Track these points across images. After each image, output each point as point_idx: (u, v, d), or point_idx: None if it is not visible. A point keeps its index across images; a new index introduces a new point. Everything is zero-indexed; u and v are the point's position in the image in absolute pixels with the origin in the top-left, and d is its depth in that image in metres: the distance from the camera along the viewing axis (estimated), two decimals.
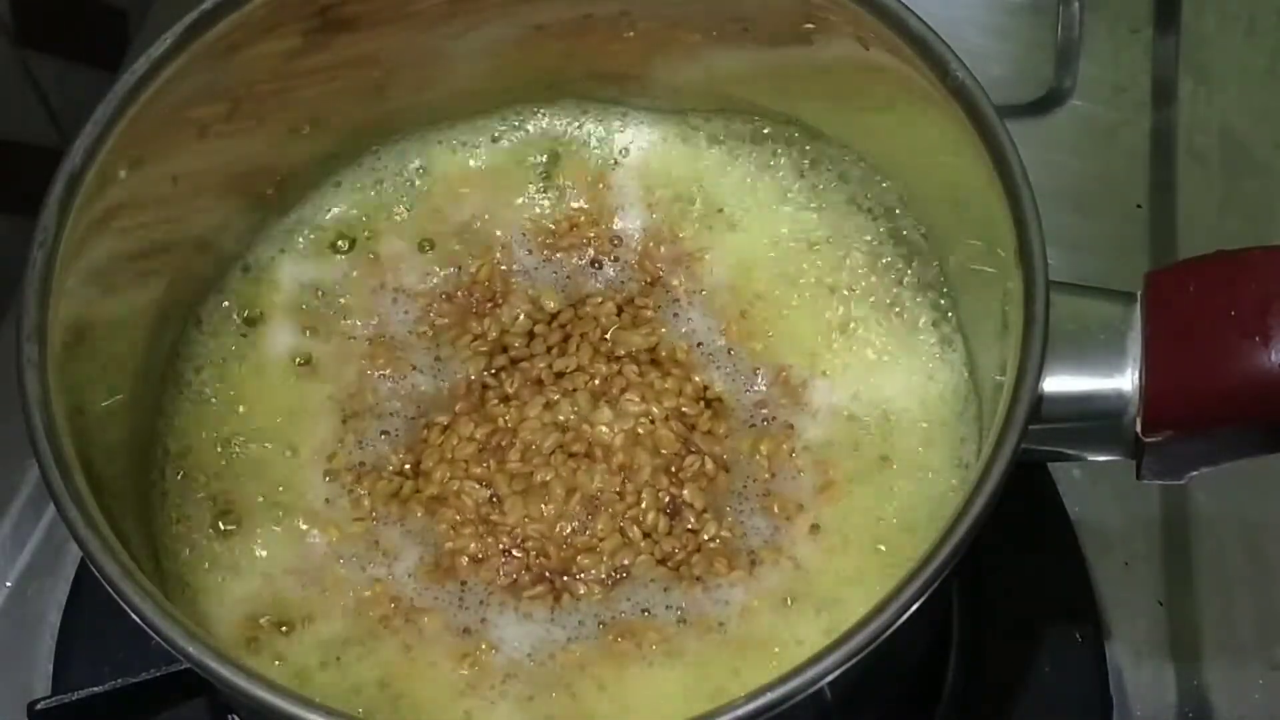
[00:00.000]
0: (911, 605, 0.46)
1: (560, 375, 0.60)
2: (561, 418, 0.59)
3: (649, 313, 0.62)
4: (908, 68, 0.55)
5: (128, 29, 0.91)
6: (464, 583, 0.57)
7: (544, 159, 0.65)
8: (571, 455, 0.58)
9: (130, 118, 0.54)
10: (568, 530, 0.57)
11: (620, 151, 0.65)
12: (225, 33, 0.56)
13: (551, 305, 0.62)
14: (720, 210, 0.63)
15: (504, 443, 0.59)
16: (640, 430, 0.59)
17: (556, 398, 0.59)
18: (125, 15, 0.91)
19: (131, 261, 0.58)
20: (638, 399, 0.59)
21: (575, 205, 0.64)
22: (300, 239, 0.63)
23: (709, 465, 0.58)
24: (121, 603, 0.48)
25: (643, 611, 0.56)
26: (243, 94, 0.59)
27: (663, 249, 0.63)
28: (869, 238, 0.62)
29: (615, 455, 0.58)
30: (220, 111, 0.59)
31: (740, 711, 0.45)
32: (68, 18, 0.87)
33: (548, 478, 0.58)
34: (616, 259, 0.63)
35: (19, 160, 0.83)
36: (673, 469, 0.58)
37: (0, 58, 0.82)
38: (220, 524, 0.58)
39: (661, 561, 0.57)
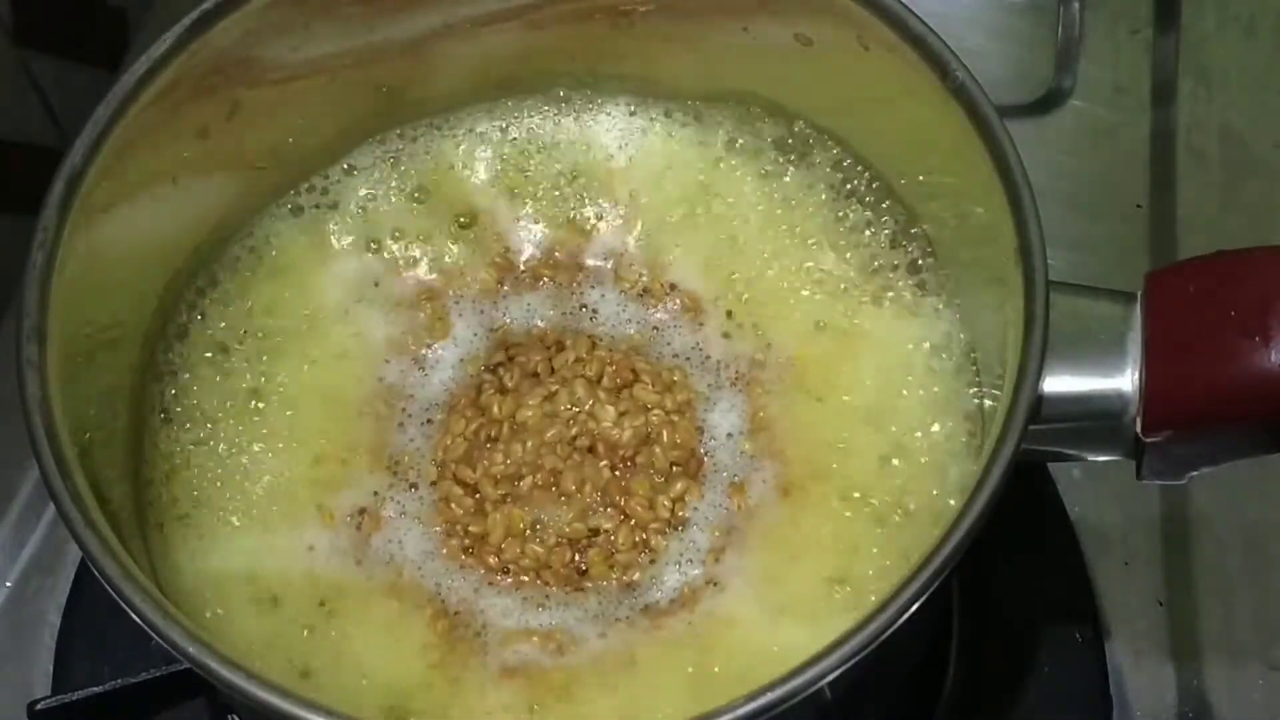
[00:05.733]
0: (911, 605, 0.46)
1: (556, 370, 0.60)
2: (562, 409, 0.59)
3: (647, 308, 0.62)
4: (908, 68, 0.55)
5: (128, 29, 0.91)
6: (458, 578, 0.57)
7: (542, 155, 0.65)
8: (576, 450, 0.58)
9: (130, 117, 0.54)
10: (568, 555, 0.57)
11: (620, 148, 0.65)
12: (225, 32, 0.56)
13: (550, 303, 0.62)
14: (717, 207, 0.63)
15: (495, 434, 0.59)
16: (652, 424, 0.59)
17: (555, 389, 0.59)
18: (125, 15, 0.91)
19: (131, 260, 0.58)
20: (650, 386, 0.59)
21: (573, 202, 0.64)
22: (298, 236, 0.63)
23: (723, 465, 0.58)
24: (121, 603, 0.48)
25: (644, 613, 0.56)
26: (243, 94, 0.59)
27: (659, 245, 0.63)
28: (867, 236, 0.62)
29: (622, 451, 0.58)
30: (220, 111, 0.59)
31: (740, 711, 0.45)
32: (68, 18, 0.87)
33: (559, 466, 0.58)
34: (614, 255, 0.63)
35: (19, 160, 0.83)
36: (690, 469, 0.58)
37: (0, 58, 0.82)
38: (216, 519, 0.58)
39: (671, 567, 0.57)
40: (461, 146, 0.65)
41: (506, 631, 0.56)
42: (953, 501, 0.56)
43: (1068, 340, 0.51)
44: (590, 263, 0.63)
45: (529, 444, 0.59)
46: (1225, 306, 0.50)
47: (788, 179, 0.63)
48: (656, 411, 0.59)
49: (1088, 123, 0.85)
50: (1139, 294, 0.52)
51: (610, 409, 0.59)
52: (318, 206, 0.63)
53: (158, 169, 0.58)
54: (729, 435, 0.59)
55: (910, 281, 0.61)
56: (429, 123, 0.65)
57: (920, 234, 0.61)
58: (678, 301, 0.62)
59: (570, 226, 0.64)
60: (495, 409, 0.59)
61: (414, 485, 0.59)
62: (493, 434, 0.59)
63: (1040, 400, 0.50)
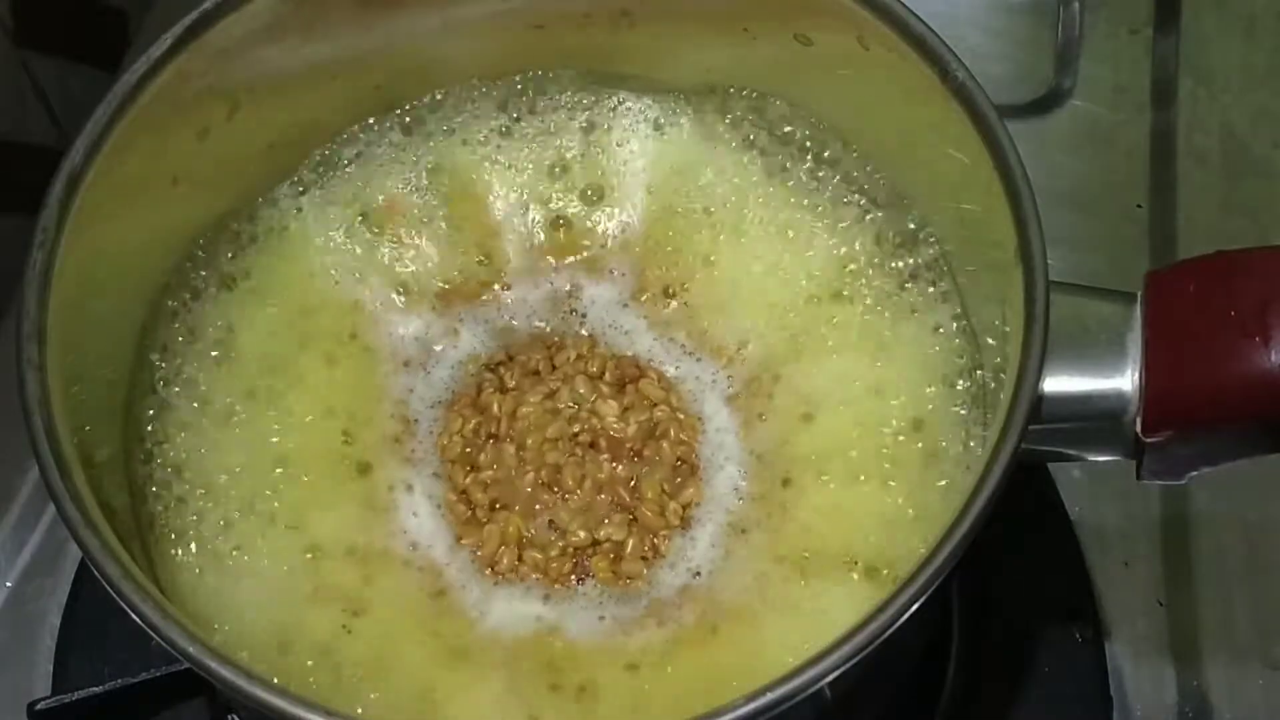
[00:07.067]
0: (911, 606, 0.46)
1: (558, 367, 0.60)
2: (563, 406, 0.59)
3: (648, 307, 0.62)
4: (908, 68, 0.55)
5: (128, 29, 0.91)
6: (460, 580, 0.57)
7: (543, 155, 0.65)
8: (578, 446, 0.58)
9: (130, 118, 0.54)
10: (569, 565, 0.57)
11: (620, 148, 0.65)
12: (225, 32, 0.56)
13: (550, 304, 0.62)
14: (717, 206, 0.63)
15: (494, 432, 0.59)
16: (658, 419, 0.59)
17: (556, 386, 0.59)
18: (125, 15, 0.91)
19: (131, 259, 0.58)
20: (657, 381, 0.59)
21: (574, 201, 0.64)
22: (298, 235, 0.63)
23: (726, 463, 0.58)
24: (121, 603, 0.48)
25: (646, 611, 0.56)
26: (243, 94, 0.59)
27: (660, 244, 0.63)
28: (868, 236, 0.62)
29: (629, 445, 0.58)
30: (220, 111, 0.59)
31: (740, 711, 0.45)
32: (68, 18, 0.87)
33: (560, 463, 0.58)
34: (615, 255, 0.63)
35: (19, 160, 0.83)
36: (695, 467, 0.58)
37: (0, 58, 0.82)
38: (215, 520, 0.57)
39: (674, 566, 0.57)
40: (461, 146, 0.64)
41: (508, 631, 0.56)
42: (953, 501, 0.56)
43: (1068, 340, 0.51)
44: (591, 263, 0.63)
45: (529, 441, 0.59)
46: (1225, 306, 0.50)
47: (788, 178, 0.63)
48: (662, 407, 0.59)
49: (1088, 123, 0.85)
50: (1139, 294, 0.52)
51: (613, 404, 0.59)
52: (318, 205, 0.63)
53: (158, 169, 0.58)
54: (732, 434, 0.59)
55: (910, 280, 0.61)
56: (428, 122, 0.64)
57: (920, 233, 0.61)
58: (678, 301, 0.62)
59: (571, 226, 0.64)
60: (495, 407, 0.59)
61: (413, 485, 0.59)
62: (492, 432, 0.59)
63: (1040, 400, 0.50)
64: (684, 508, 0.58)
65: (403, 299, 0.62)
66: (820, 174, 0.63)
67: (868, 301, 0.60)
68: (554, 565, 0.57)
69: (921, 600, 0.46)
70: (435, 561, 0.57)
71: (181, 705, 0.61)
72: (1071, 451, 0.55)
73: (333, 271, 0.62)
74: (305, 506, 0.58)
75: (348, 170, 0.64)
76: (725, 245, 0.62)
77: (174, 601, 0.54)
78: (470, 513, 0.58)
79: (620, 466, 0.58)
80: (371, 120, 0.64)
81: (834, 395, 0.59)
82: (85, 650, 0.68)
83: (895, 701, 0.65)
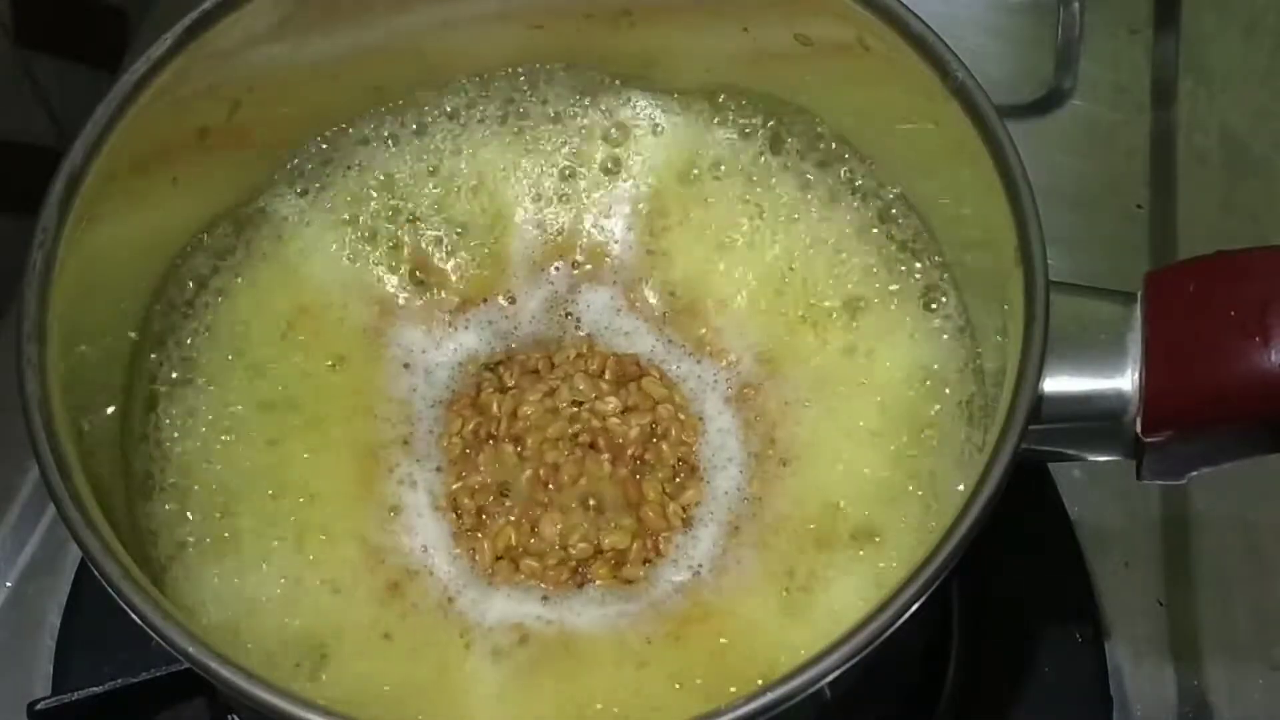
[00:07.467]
0: (911, 606, 0.46)
1: (557, 365, 0.60)
2: (561, 405, 0.59)
3: (648, 308, 0.62)
4: (908, 68, 0.55)
5: (128, 29, 0.91)
6: (459, 583, 0.57)
7: (542, 156, 0.64)
8: (578, 446, 0.58)
9: (130, 118, 0.54)
10: (566, 574, 0.57)
11: (619, 149, 0.65)
12: (225, 33, 0.56)
13: (549, 304, 0.62)
14: (718, 208, 0.63)
15: (494, 432, 0.59)
16: (661, 419, 0.59)
17: (556, 385, 0.59)
18: (125, 15, 0.91)
19: (131, 259, 0.58)
20: (660, 379, 0.59)
21: (573, 202, 0.64)
22: (297, 235, 0.63)
23: (727, 462, 0.58)
24: (121, 603, 0.48)
25: (646, 609, 0.56)
26: (243, 94, 0.59)
27: (660, 246, 0.63)
28: (867, 236, 0.62)
29: (631, 450, 0.58)
30: (220, 111, 0.59)
31: (740, 711, 0.45)
32: (68, 18, 0.88)
33: (559, 461, 0.58)
34: (614, 256, 0.63)
35: (19, 160, 0.83)
36: (695, 467, 0.58)
37: (0, 58, 0.82)
38: (214, 521, 0.57)
39: (674, 565, 0.57)
40: (461, 146, 0.64)
41: (508, 630, 0.56)
42: (953, 502, 0.56)
43: (1068, 340, 0.51)
44: (590, 264, 0.63)
45: (529, 442, 0.59)
46: (1225, 306, 0.50)
47: (787, 179, 0.63)
48: (666, 406, 0.59)
49: (1088, 123, 0.85)
50: (1139, 294, 0.52)
51: (613, 401, 0.59)
52: (318, 205, 0.63)
53: (158, 169, 0.58)
54: (732, 434, 0.59)
55: (911, 281, 0.61)
56: (428, 122, 0.64)
57: (921, 233, 0.61)
58: (678, 301, 0.62)
59: (570, 227, 0.64)
60: (494, 407, 0.59)
61: (416, 486, 0.59)
62: (492, 432, 0.59)
63: (1040, 400, 0.50)
64: (685, 509, 0.58)
65: (402, 299, 0.62)
66: (819, 174, 0.63)
67: (868, 299, 0.60)
68: (551, 573, 0.57)
69: (921, 600, 0.46)
70: (436, 562, 0.57)
71: (181, 705, 0.61)
72: (1071, 451, 0.55)
73: (333, 271, 0.62)
74: (306, 506, 0.58)
75: (348, 170, 0.64)
76: (724, 245, 0.62)
77: (174, 603, 0.54)
78: (470, 516, 0.58)
79: (620, 468, 0.58)
80: (371, 120, 0.64)
81: (833, 395, 0.59)
82: (85, 650, 0.68)
83: (895, 701, 0.65)
